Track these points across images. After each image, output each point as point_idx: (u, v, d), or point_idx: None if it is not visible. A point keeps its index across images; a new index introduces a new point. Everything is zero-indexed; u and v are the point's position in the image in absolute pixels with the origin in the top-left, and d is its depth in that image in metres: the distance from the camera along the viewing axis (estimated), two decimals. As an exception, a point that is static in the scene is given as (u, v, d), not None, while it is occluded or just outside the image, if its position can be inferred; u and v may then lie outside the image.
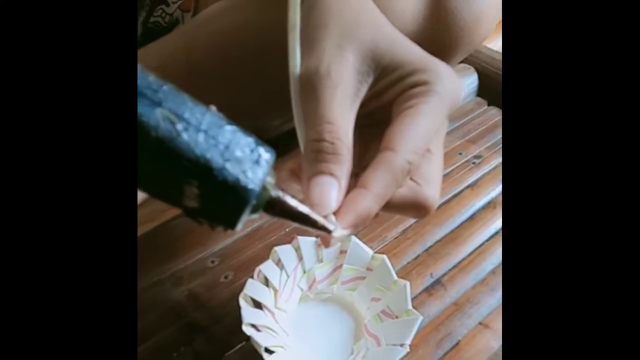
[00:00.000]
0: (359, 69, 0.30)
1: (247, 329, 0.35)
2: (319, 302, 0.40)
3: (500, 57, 0.63)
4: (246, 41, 0.48)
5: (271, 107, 0.49)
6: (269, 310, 0.37)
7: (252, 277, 0.38)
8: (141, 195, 0.48)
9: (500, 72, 0.61)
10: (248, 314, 0.36)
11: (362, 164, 0.29)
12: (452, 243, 0.46)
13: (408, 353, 0.35)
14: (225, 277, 0.43)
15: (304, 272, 0.40)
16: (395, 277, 0.39)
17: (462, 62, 0.61)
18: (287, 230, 0.46)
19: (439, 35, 0.45)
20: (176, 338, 0.39)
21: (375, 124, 0.31)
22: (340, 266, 0.40)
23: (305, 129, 0.29)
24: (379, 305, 0.39)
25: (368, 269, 0.40)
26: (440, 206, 0.49)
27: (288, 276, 0.39)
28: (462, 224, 0.47)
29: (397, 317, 0.37)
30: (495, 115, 0.60)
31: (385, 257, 0.39)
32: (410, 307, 0.37)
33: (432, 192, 0.30)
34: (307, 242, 0.40)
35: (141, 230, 0.46)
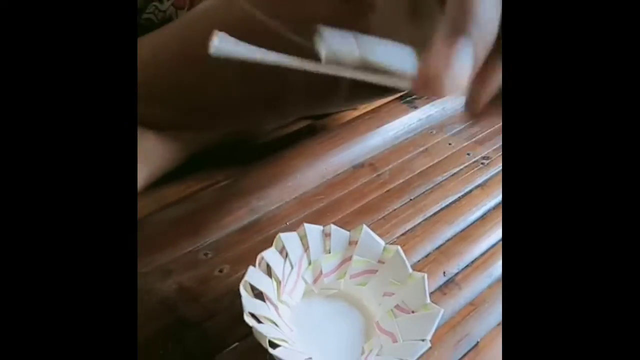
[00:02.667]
0: None
1: (248, 319, 0.31)
2: (325, 298, 0.37)
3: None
4: (242, 34, 0.45)
5: (265, 104, 0.47)
6: (271, 303, 0.33)
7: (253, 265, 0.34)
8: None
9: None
10: (249, 303, 0.32)
11: None
12: (464, 242, 0.43)
13: (429, 348, 0.31)
14: (220, 271, 0.39)
15: (310, 263, 0.36)
16: (410, 269, 0.35)
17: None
18: (287, 224, 0.42)
19: None
20: (163, 334, 0.34)
21: None
22: (350, 258, 0.36)
23: None
24: (392, 300, 0.35)
25: (380, 261, 0.36)
26: (450, 205, 0.46)
27: (292, 267, 0.35)
28: (473, 223, 0.44)
29: (413, 312, 0.34)
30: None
31: (399, 247, 0.36)
32: (428, 300, 0.34)
33: None
34: (313, 230, 0.36)
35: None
